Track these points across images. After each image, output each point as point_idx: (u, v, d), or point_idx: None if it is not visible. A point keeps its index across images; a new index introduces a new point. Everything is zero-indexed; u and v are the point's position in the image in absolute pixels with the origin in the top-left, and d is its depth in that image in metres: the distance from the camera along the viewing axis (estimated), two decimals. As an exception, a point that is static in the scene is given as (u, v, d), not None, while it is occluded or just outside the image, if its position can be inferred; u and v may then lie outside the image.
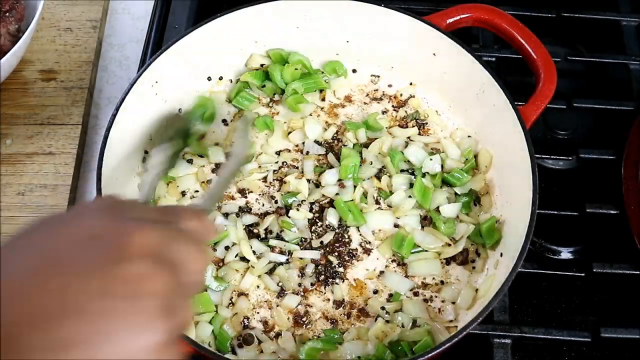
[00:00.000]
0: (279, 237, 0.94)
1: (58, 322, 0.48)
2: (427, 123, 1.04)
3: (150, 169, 0.87)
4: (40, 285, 0.49)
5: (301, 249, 0.94)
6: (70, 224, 0.54)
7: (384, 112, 1.05)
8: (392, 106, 1.06)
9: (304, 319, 0.89)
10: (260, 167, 1.00)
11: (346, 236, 0.95)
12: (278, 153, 1.02)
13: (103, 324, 0.49)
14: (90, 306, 0.49)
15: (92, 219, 0.54)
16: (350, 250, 0.94)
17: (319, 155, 1.01)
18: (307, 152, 1.01)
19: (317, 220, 0.96)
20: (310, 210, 0.96)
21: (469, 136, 1.02)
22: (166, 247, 0.54)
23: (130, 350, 0.49)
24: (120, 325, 0.49)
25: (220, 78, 1.07)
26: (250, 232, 0.95)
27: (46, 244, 0.52)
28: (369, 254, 0.94)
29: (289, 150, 1.02)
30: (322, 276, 0.92)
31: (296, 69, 1.04)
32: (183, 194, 0.98)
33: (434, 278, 0.92)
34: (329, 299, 0.91)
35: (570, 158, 1.06)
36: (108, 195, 0.60)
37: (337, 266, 0.93)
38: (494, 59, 1.13)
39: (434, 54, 1.02)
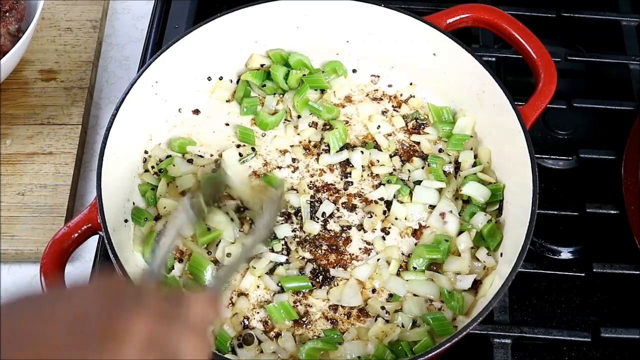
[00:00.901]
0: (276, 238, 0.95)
1: None
2: (426, 123, 1.04)
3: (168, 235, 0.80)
4: None
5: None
6: (59, 304, 0.51)
7: (384, 113, 1.05)
8: (392, 106, 1.06)
9: (304, 319, 0.89)
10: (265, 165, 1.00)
11: (345, 236, 0.95)
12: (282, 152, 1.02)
13: None
14: None
15: (84, 299, 0.51)
16: (351, 252, 0.94)
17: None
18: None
19: (315, 203, 0.97)
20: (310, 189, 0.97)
21: (470, 136, 1.02)
22: (161, 335, 0.51)
23: None
24: None
25: (220, 78, 1.07)
26: (250, 232, 0.95)
27: (31, 325, 0.49)
28: (369, 254, 0.94)
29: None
30: (322, 276, 0.92)
31: (304, 75, 1.04)
32: (183, 193, 0.98)
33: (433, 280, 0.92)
34: (328, 299, 0.91)
35: (570, 158, 1.06)
36: (112, 277, 0.57)
37: (336, 266, 0.93)
38: (494, 59, 1.13)
39: (434, 54, 1.02)
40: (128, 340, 0.49)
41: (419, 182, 0.98)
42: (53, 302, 0.52)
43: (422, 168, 0.99)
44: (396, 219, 0.96)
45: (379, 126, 1.03)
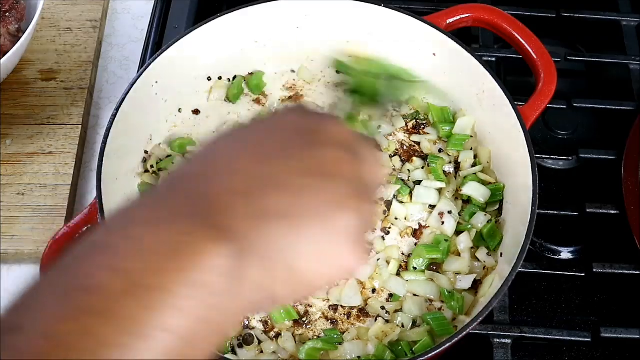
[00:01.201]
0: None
1: (262, 193, 0.51)
2: (426, 123, 1.04)
3: None
4: (245, 164, 0.53)
5: None
6: (271, 121, 0.59)
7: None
8: (392, 106, 1.06)
9: (304, 319, 0.89)
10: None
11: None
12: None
13: (303, 198, 0.52)
14: (291, 182, 0.52)
15: (291, 116, 0.59)
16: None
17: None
18: None
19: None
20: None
21: (470, 136, 1.02)
22: (354, 142, 0.58)
23: (327, 227, 0.53)
24: (318, 202, 0.52)
25: (220, 78, 1.07)
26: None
27: (248, 135, 0.57)
28: (368, 254, 0.94)
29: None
30: (322, 276, 0.92)
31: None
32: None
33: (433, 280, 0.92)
34: (328, 299, 0.91)
35: (570, 158, 1.06)
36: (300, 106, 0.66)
37: (337, 266, 0.93)
38: (494, 59, 1.13)
39: (434, 54, 1.02)
40: (333, 141, 0.56)
41: (419, 182, 0.98)
42: (267, 120, 0.60)
43: (422, 168, 0.99)
44: (396, 219, 0.96)
45: (379, 126, 1.03)
